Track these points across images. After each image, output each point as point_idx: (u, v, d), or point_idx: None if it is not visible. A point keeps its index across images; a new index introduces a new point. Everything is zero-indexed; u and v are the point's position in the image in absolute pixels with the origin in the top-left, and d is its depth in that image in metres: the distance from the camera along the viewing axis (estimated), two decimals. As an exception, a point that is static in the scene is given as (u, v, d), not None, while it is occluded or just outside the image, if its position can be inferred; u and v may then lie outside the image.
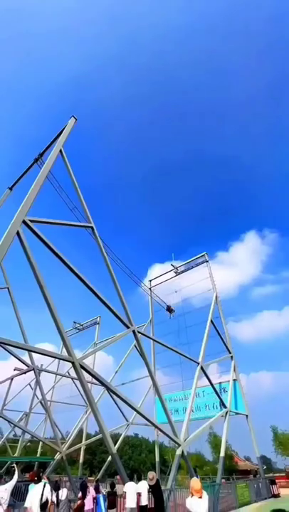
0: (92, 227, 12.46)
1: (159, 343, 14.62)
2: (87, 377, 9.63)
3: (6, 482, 5.73)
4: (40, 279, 8.73)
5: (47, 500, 5.28)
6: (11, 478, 5.95)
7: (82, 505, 7.01)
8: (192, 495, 4.80)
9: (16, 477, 5.88)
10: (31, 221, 9.62)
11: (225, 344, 20.90)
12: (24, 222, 9.37)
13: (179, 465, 13.06)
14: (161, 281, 29.42)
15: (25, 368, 19.21)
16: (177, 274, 27.74)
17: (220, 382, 20.29)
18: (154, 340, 15.61)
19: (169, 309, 19.97)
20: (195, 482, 4.99)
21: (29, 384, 25.71)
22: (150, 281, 30.66)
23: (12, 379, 21.34)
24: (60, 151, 13.19)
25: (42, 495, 5.22)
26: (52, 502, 5.94)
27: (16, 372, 20.41)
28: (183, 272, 27.52)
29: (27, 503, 5.25)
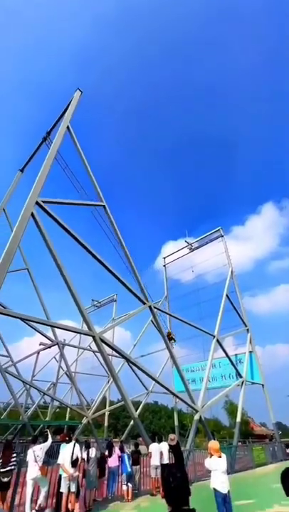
0: (104, 206, 12.39)
1: (175, 317, 14.95)
2: (107, 350, 10.14)
3: (41, 443, 6.40)
4: (58, 259, 8.95)
5: (77, 458, 5.87)
6: (44, 440, 6.64)
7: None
8: (211, 455, 5.13)
9: (50, 439, 6.55)
10: (44, 202, 9.69)
11: (241, 317, 21.05)
12: (37, 203, 9.46)
13: (197, 429, 13.86)
14: (176, 258, 29.43)
15: (49, 342, 20.46)
16: (191, 250, 27.54)
17: (236, 354, 20.75)
18: (170, 314, 15.96)
19: (170, 337, 18.65)
20: (214, 443, 5.32)
21: (54, 357, 27.57)
22: (164, 258, 30.73)
23: (38, 353, 22.90)
24: (68, 127, 12.84)
25: (73, 453, 5.79)
26: (82, 459, 6.58)
27: (42, 346, 21.84)
28: (197, 248, 27.26)
29: (60, 460, 5.87)
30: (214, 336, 16.76)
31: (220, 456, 5.06)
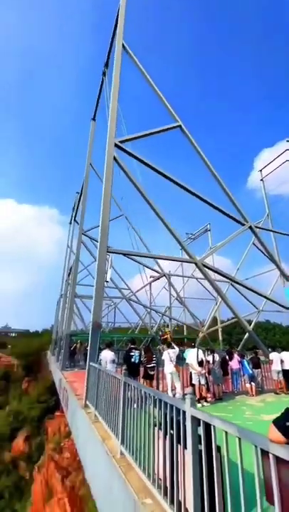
0: (180, 126, 11.15)
1: (282, 233, 13.33)
2: (211, 274, 10.43)
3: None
4: (147, 197, 9.15)
5: (202, 359, 6.96)
6: (172, 348, 8.12)
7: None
8: None
9: (176, 348, 7.99)
10: (121, 142, 9.59)
11: None
12: (116, 145, 9.48)
13: None
14: (276, 167, 24.66)
15: (157, 275, 23.04)
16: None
17: None
18: (275, 231, 14.34)
19: (168, 341, 14.79)
20: None
21: (164, 287, 31.29)
22: (260, 171, 26.35)
23: (150, 284, 26.43)
24: (122, 45, 11.35)
25: (197, 356, 6.88)
26: (207, 361, 7.72)
27: (151, 279, 24.94)
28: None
29: (188, 360, 7.14)
30: None
31: None
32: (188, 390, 6.66)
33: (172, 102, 11.80)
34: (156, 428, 2.92)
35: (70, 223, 28.97)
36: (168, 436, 2.63)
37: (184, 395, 6.24)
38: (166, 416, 2.70)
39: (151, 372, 7.08)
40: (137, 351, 6.86)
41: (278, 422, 1.40)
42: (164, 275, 22.13)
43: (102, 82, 17.55)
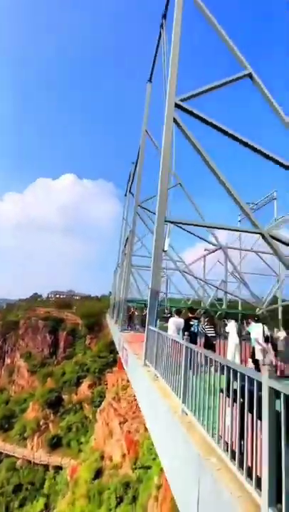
0: (250, 74, 9.60)
1: None
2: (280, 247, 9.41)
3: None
4: (209, 160, 8.43)
5: (268, 335, 6.60)
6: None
7: None
8: None
9: (233, 322, 7.76)
10: (182, 100, 8.81)
11: None
12: (176, 105, 8.76)
13: None
14: None
15: (213, 247, 22.14)
16: None
17: None
18: None
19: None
20: None
21: (218, 261, 30.08)
22: None
23: (205, 257, 25.70)
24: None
25: (263, 331, 6.56)
26: (270, 336, 7.33)
27: (206, 251, 24.15)
28: None
29: (254, 335, 6.88)
30: None
31: None
32: (250, 364, 6.44)
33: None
34: (224, 394, 2.88)
35: (126, 195, 29.40)
36: (237, 404, 2.56)
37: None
38: (233, 384, 2.61)
39: (214, 342, 7.07)
40: (196, 320, 6.86)
41: None
42: (221, 248, 21.10)
43: (160, 36, 16.12)
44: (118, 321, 18.27)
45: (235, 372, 2.60)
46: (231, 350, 6.97)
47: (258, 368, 6.92)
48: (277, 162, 9.23)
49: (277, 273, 25.15)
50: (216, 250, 22.53)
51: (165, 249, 7.27)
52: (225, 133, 8.94)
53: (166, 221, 7.92)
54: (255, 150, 9.09)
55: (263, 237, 8.73)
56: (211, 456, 2.83)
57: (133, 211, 19.13)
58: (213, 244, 20.93)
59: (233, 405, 2.64)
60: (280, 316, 28.54)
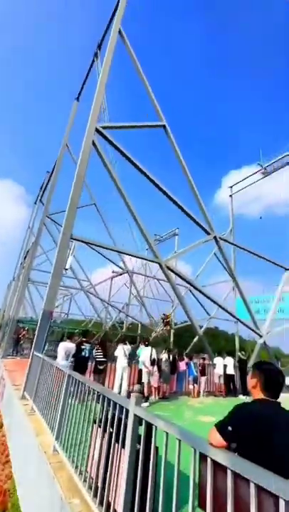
0: (164, 126, 11.15)
1: (243, 248, 14.18)
2: (172, 277, 10.62)
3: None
4: (121, 188, 8.94)
5: (154, 358, 7.02)
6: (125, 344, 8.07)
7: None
8: None
9: (129, 345, 7.93)
10: (103, 128, 9.22)
11: None
12: (97, 130, 9.08)
13: (258, 354, 14.50)
14: (244, 187, 26.23)
15: (120, 271, 22.86)
16: (265, 174, 23.83)
17: (309, 289, 19.33)
18: (237, 245, 15.21)
19: (167, 321, 16.75)
20: None
21: (124, 284, 31.21)
22: (230, 187, 27.80)
23: (112, 279, 26.11)
24: (119, 31, 10.95)
25: (151, 354, 6.92)
26: (159, 359, 7.82)
27: (114, 274, 24.66)
28: (272, 172, 23.36)
29: (142, 358, 7.14)
30: (286, 269, 15.61)
31: None
32: (136, 387, 6.63)
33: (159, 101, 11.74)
34: (96, 425, 2.81)
35: (35, 203, 27.20)
36: (106, 434, 2.53)
37: (130, 392, 6.22)
38: (107, 413, 2.59)
39: (101, 367, 6.91)
40: (88, 345, 6.63)
41: (220, 426, 1.38)
42: (127, 272, 22.06)
43: (93, 63, 16.80)
44: (2, 344, 15.66)
45: (109, 400, 2.59)
46: (118, 373, 7.03)
47: (141, 391, 7.23)
48: (178, 205, 10.73)
49: (172, 299, 28.07)
50: (123, 274, 23.39)
51: (66, 268, 6.93)
52: (137, 167, 9.79)
53: (72, 238, 7.68)
54: (161, 190, 10.30)
55: (161, 266, 9.72)
56: (75, 497, 2.62)
57: (40, 221, 17.77)
58: (120, 268, 21.72)
59: (103, 436, 2.58)
60: (171, 338, 31.59)
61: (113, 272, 24.81)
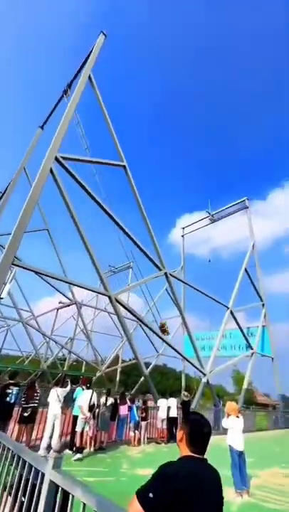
0: (124, 166, 11.80)
1: (191, 286, 14.88)
2: (122, 311, 10.36)
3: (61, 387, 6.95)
4: (75, 216, 8.84)
5: (94, 404, 6.34)
6: (63, 386, 7.20)
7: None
8: (228, 415, 5.32)
9: (69, 385, 7.11)
10: (63, 158, 9.32)
11: (257, 292, 20.68)
12: (56, 159, 9.12)
13: (202, 392, 14.51)
14: (194, 229, 28.62)
15: (68, 301, 21.50)
16: (213, 221, 26.50)
17: (248, 327, 20.81)
18: (186, 283, 15.92)
19: (163, 329, 18.54)
20: (233, 403, 5.59)
21: (72, 316, 29.23)
22: (183, 228, 30.00)
23: (57, 310, 24.28)
24: (89, 76, 11.86)
25: (91, 399, 6.26)
26: (98, 405, 7.07)
27: (60, 304, 23.05)
28: (219, 219, 26.16)
29: (80, 402, 6.37)
30: (228, 308, 16.69)
31: (238, 417, 5.22)
32: (55, 446, 5.80)
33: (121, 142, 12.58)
34: (6, 493, 2.29)
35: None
36: (17, 505, 2.05)
37: (48, 449, 5.36)
38: (21, 477, 2.14)
39: (26, 414, 5.93)
40: (15, 388, 5.71)
41: (141, 493, 1.20)
42: (75, 303, 20.87)
43: (61, 98, 17.51)
44: None
45: (24, 461, 2.16)
46: (49, 422, 6.12)
47: (71, 445, 6.34)
48: (133, 241, 10.97)
49: (122, 334, 27.11)
50: (71, 305, 22.03)
51: (1, 296, 6.20)
52: (95, 201, 9.93)
53: (13, 263, 7.06)
54: (118, 224, 10.49)
55: (110, 299, 9.46)
56: None
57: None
58: (68, 299, 20.48)
59: (12, 509, 2.09)
60: (118, 377, 29.72)
61: (60, 302, 23.20)
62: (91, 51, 12.82)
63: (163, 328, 19.30)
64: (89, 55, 12.76)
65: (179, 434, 1.43)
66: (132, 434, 8.22)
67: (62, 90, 17.52)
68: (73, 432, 6.37)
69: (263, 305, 20.77)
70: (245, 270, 19.64)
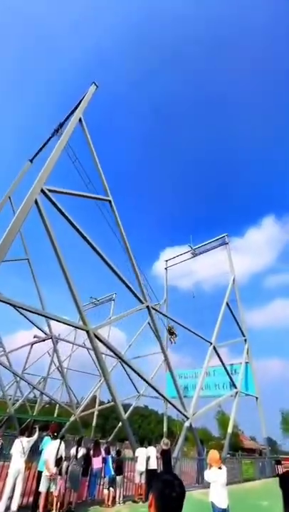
0: (110, 201, 12.20)
1: (173, 320, 14.64)
2: (101, 348, 9.85)
3: (28, 436, 6.17)
4: (57, 248, 8.76)
5: (61, 457, 5.60)
6: (30, 435, 6.40)
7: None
8: (210, 466, 4.83)
9: (36, 434, 6.34)
10: (49, 190, 9.52)
11: (239, 327, 20.66)
12: (42, 191, 9.30)
13: (186, 437, 13.47)
14: (177, 262, 29.14)
15: (44, 336, 20.22)
16: (194, 255, 27.24)
17: (231, 364, 20.32)
18: (168, 317, 15.67)
19: (171, 331, 19.05)
20: (214, 453, 4.99)
21: (47, 352, 27.27)
22: (166, 261, 30.46)
23: (32, 345, 22.64)
24: (80, 119, 12.74)
25: (58, 451, 5.54)
26: (68, 457, 6.26)
27: (35, 339, 21.59)
28: (200, 253, 26.98)
29: (44, 456, 5.60)
30: (211, 343, 16.39)
31: (220, 468, 4.75)
32: (15, 508, 5.02)
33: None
34: None
35: None
36: None
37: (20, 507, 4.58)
38: None
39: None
40: None
41: None
42: (51, 338, 19.67)
43: (53, 135, 18.46)
44: None
45: None
46: (10, 479, 5.28)
47: (34, 507, 5.45)
48: (115, 273, 10.91)
49: (101, 372, 25.44)
50: (46, 339, 20.70)
51: None
52: (80, 234, 9.98)
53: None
54: (100, 256, 10.48)
55: (88, 334, 9.02)
56: None
57: None
58: (44, 333, 19.30)
59: None
60: (94, 422, 27.08)
61: (35, 336, 21.76)
62: (83, 97, 13.98)
63: (171, 331, 18.95)
64: (81, 101, 13.87)
65: (150, 497, 1.28)
66: (106, 491, 7.27)
67: (54, 129, 18.62)
68: (37, 492, 5.52)
69: (246, 340, 20.62)
70: (227, 304, 19.79)
